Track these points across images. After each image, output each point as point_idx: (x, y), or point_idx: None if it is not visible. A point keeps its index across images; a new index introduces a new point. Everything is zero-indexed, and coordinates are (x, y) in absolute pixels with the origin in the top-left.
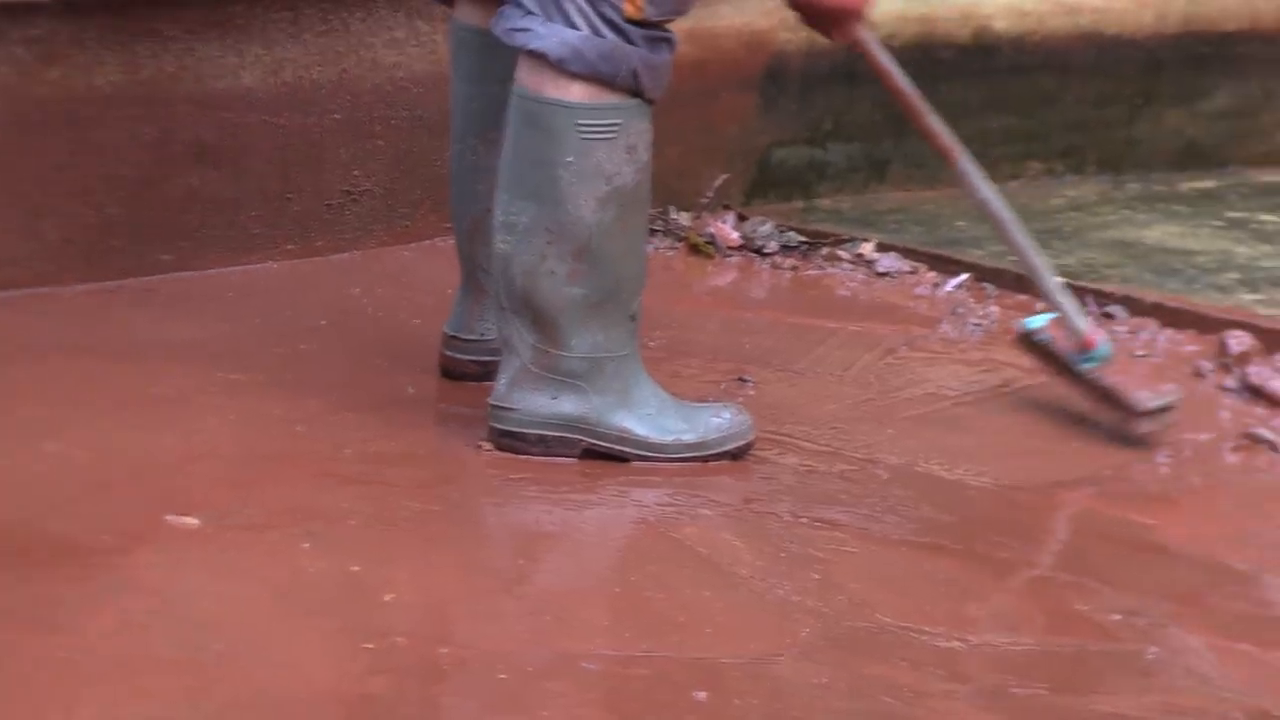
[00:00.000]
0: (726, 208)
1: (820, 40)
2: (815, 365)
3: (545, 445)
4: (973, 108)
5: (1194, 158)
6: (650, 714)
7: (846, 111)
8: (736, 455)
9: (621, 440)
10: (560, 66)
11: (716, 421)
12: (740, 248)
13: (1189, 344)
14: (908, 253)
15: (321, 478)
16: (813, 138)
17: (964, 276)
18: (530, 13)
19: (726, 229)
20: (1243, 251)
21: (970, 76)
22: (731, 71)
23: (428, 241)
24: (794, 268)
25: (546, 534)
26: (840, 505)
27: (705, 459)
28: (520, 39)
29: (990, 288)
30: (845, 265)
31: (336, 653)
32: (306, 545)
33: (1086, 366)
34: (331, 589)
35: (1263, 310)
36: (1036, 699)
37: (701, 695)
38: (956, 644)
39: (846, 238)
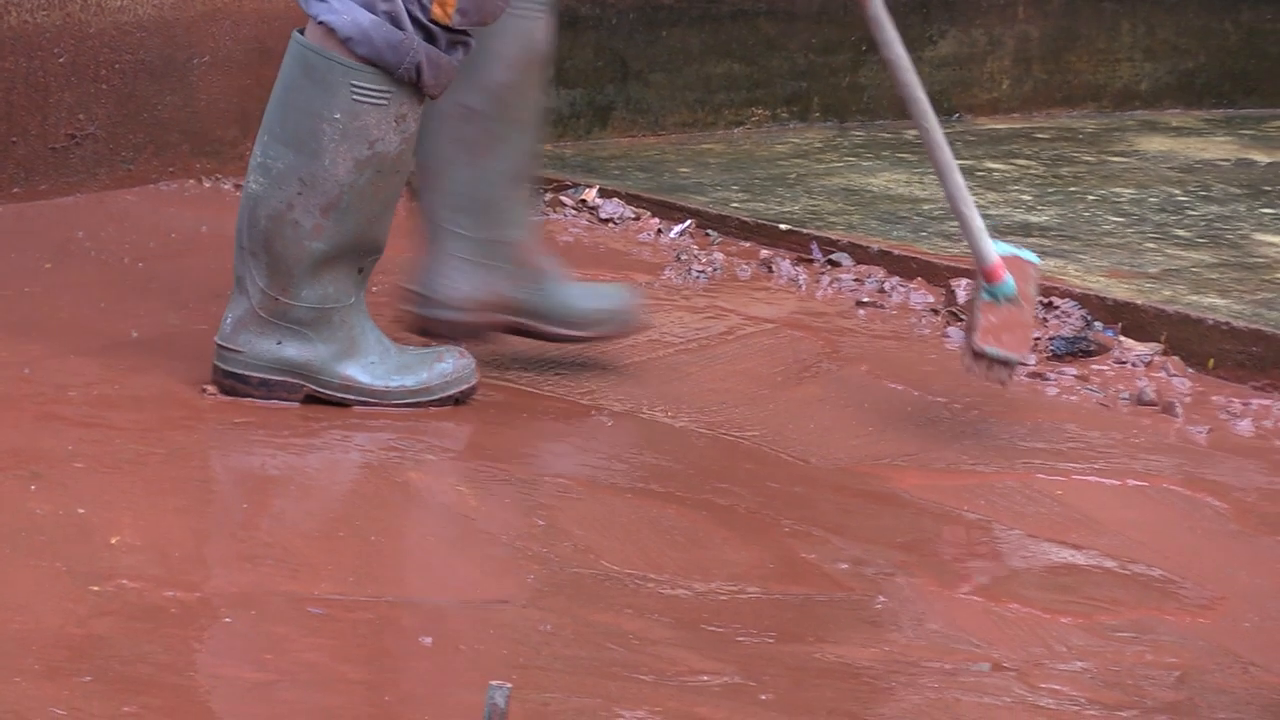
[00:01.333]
0: None
1: None
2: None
3: (268, 389)
4: (694, 54)
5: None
6: (376, 658)
7: (569, 57)
8: (460, 400)
9: (346, 389)
10: (346, 44)
11: (440, 367)
12: None
13: (918, 291)
14: (631, 199)
15: (46, 420)
16: None
17: (688, 223)
18: None
19: None
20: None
21: (692, 23)
22: None
23: (151, 185)
24: None
25: (271, 478)
26: (565, 452)
27: (428, 404)
28: (315, 8)
29: (714, 234)
30: (568, 211)
31: (63, 594)
32: (33, 487)
33: (984, 298)
34: (57, 531)
35: None
36: (763, 647)
37: (428, 640)
38: (682, 591)
39: (569, 184)
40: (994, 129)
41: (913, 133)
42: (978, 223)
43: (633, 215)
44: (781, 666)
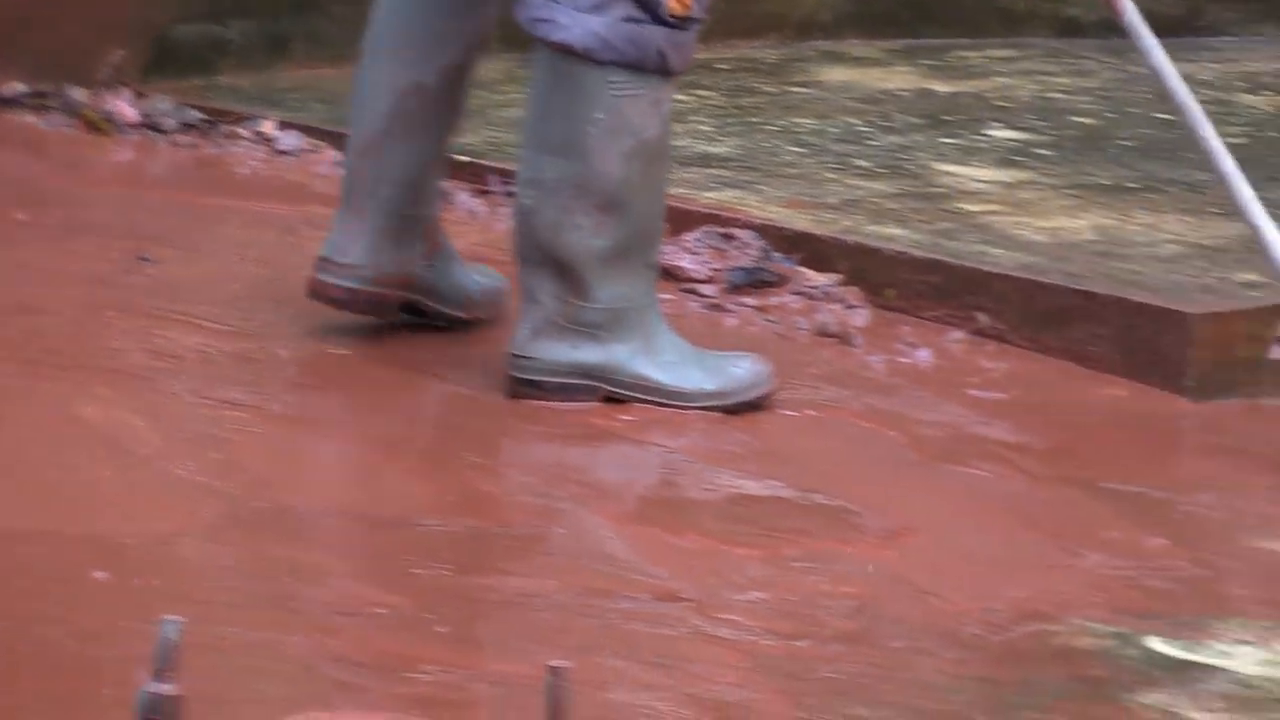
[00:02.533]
0: (124, 84)
1: None
2: (216, 244)
3: (565, 393)
4: None
5: None
6: (47, 592)
7: None
8: (757, 405)
9: (641, 388)
10: (588, 56)
11: (736, 372)
12: (139, 125)
13: None
14: (309, 131)
15: None
16: (213, 14)
17: None
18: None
19: (124, 106)
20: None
21: None
22: None
23: None
24: (194, 146)
25: None
26: (243, 385)
27: (727, 408)
28: (542, 30)
29: None
30: (246, 143)
31: None
32: None
33: None
34: None
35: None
36: (440, 580)
37: (101, 575)
38: (360, 524)
39: (247, 115)
40: None
41: None
42: (1274, 235)
43: (311, 148)
44: (459, 599)
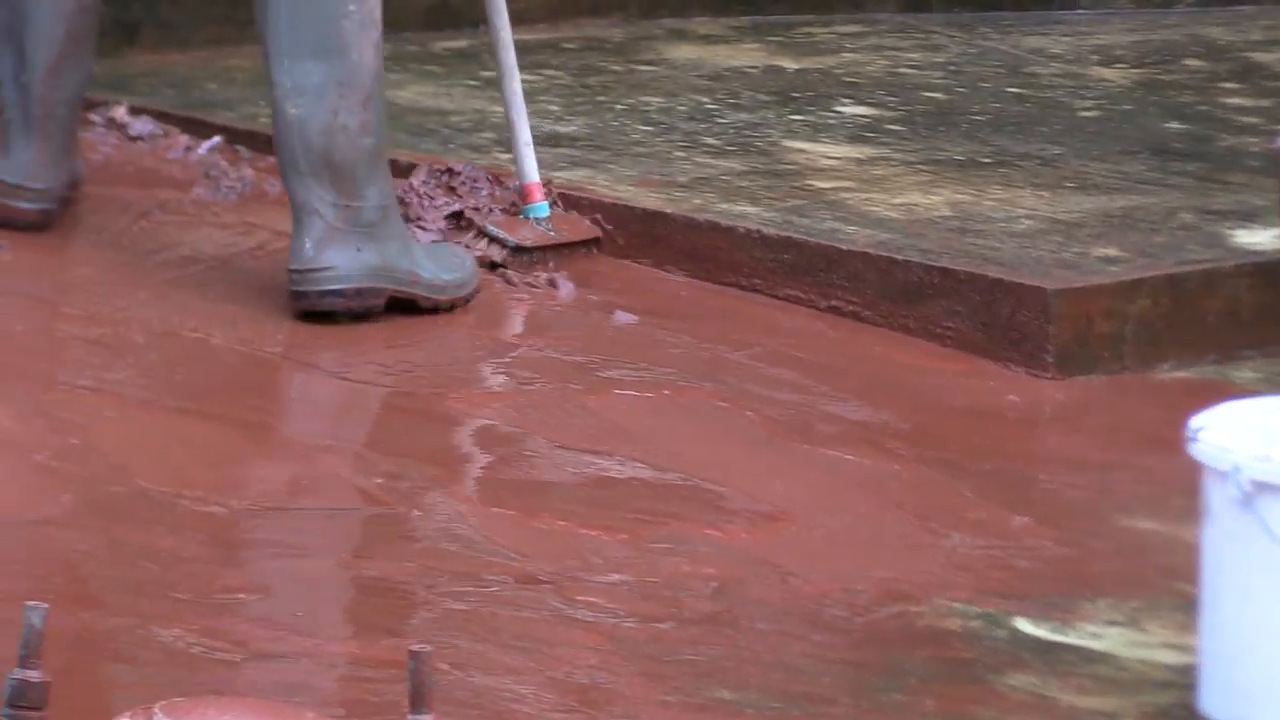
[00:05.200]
0: None
1: None
2: (69, 229)
3: (362, 298)
4: None
5: (446, 16)
6: None
7: None
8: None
9: (413, 283)
10: None
11: (457, 260)
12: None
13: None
14: (160, 116)
15: None
16: None
17: (216, 139)
18: None
19: None
20: (498, 110)
21: None
22: None
23: None
24: None
25: None
26: (97, 370)
27: (464, 300)
28: None
29: (243, 150)
30: (98, 129)
31: None
32: None
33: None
34: None
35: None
36: (299, 563)
37: None
38: (216, 508)
39: (99, 101)
40: (521, 39)
41: (441, 45)
42: (526, 136)
43: (162, 132)
44: (316, 583)
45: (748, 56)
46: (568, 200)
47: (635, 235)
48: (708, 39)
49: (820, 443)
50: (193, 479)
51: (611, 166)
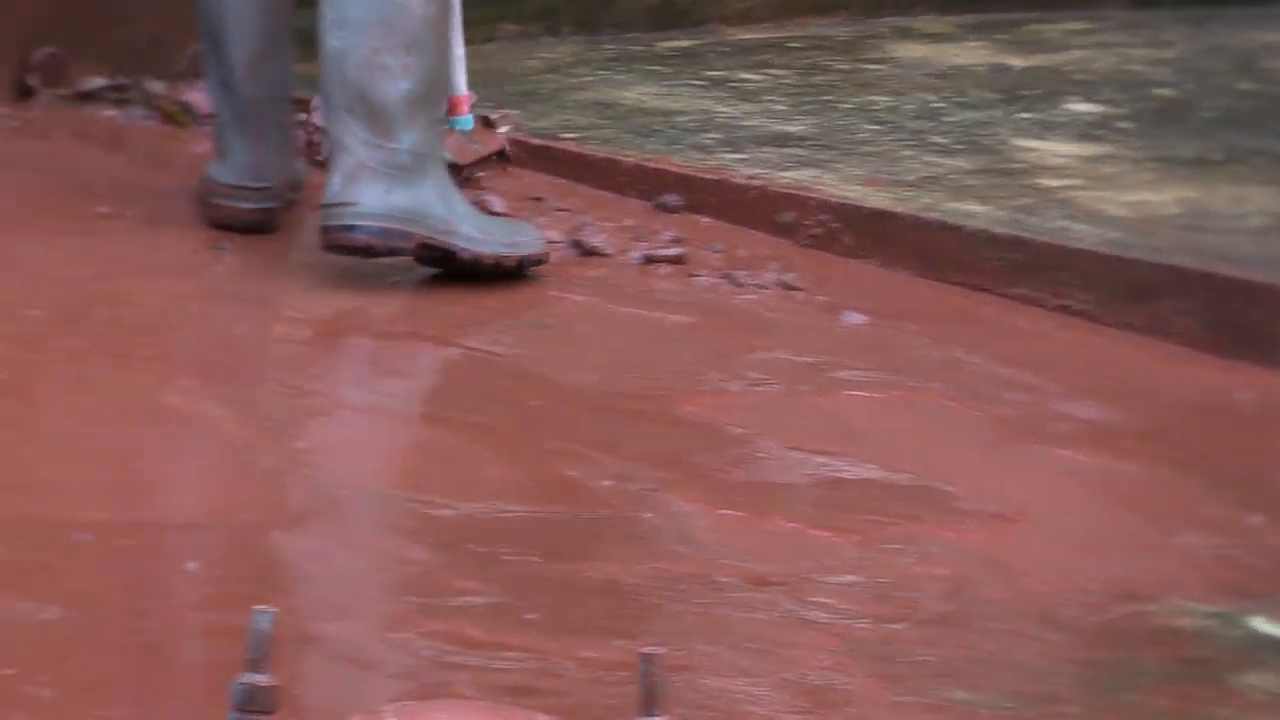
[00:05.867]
0: (200, 76)
1: None
2: (293, 232)
3: (387, 237)
4: None
5: (672, 16)
6: (141, 585)
7: None
8: (537, 262)
9: (449, 232)
10: None
11: (521, 238)
12: (214, 116)
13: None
14: None
15: None
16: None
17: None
18: None
19: (202, 97)
20: (724, 110)
21: None
22: None
23: None
24: None
25: (29, 406)
26: (320, 373)
27: (517, 264)
28: None
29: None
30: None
31: None
32: None
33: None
34: None
35: (745, 169)
36: (529, 566)
37: (193, 565)
38: (445, 511)
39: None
40: (746, 39)
41: (665, 45)
42: (460, 51)
43: None
44: (547, 585)
45: (974, 54)
46: (792, 200)
47: (862, 234)
48: (934, 37)
49: (1051, 442)
50: (421, 481)
51: (838, 166)
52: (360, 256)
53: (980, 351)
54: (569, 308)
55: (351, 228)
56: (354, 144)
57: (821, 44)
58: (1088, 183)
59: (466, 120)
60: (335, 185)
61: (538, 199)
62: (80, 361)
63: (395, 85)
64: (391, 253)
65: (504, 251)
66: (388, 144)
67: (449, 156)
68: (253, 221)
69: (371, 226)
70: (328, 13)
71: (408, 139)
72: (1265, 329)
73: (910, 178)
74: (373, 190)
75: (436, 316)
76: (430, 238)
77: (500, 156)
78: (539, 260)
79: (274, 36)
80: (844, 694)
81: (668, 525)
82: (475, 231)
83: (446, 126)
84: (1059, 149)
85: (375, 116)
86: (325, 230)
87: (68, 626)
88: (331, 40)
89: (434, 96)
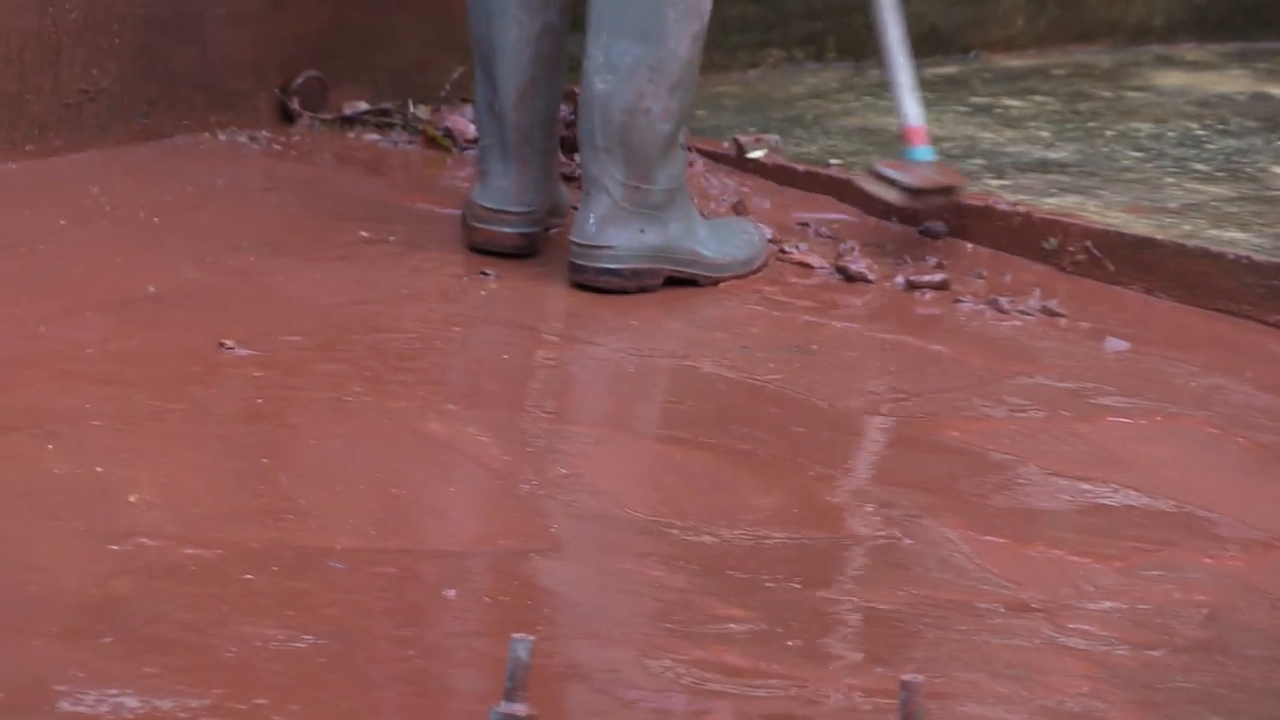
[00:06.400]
0: (464, 100)
1: None
2: (557, 260)
3: (638, 278)
4: None
5: (936, 43)
6: (399, 612)
7: None
8: (758, 270)
9: (694, 263)
10: None
11: (749, 237)
12: (478, 139)
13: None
14: None
15: (63, 378)
16: None
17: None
18: None
19: (464, 122)
20: (988, 137)
21: None
22: None
23: (166, 140)
24: None
25: (290, 431)
26: (586, 398)
27: (749, 275)
28: None
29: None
30: None
31: (82, 554)
32: (50, 446)
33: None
34: (76, 490)
35: (1009, 196)
36: (789, 593)
37: (451, 592)
38: (706, 538)
39: None
40: (1010, 66)
41: (932, 71)
42: (907, 78)
43: None
44: (808, 612)
45: (1235, 83)
46: (1055, 227)
47: (1124, 261)
48: (1195, 65)
49: None
50: (682, 507)
51: (1102, 193)
52: (611, 293)
53: (1241, 377)
54: (832, 333)
55: (604, 271)
56: (611, 185)
57: (1084, 71)
58: None
59: (926, 150)
60: (590, 226)
61: (804, 224)
62: (339, 387)
63: (657, 129)
64: (641, 290)
65: (740, 270)
66: (644, 185)
67: (909, 181)
68: (513, 246)
69: (625, 270)
70: (596, 55)
71: (663, 178)
72: None
73: (1172, 204)
74: (627, 233)
75: (700, 342)
76: (677, 270)
77: (947, 192)
78: (764, 266)
79: (545, 64)
80: None
81: (929, 551)
82: (715, 255)
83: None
84: None
85: (635, 159)
86: (579, 269)
87: (322, 654)
88: (599, 83)
89: (680, 131)
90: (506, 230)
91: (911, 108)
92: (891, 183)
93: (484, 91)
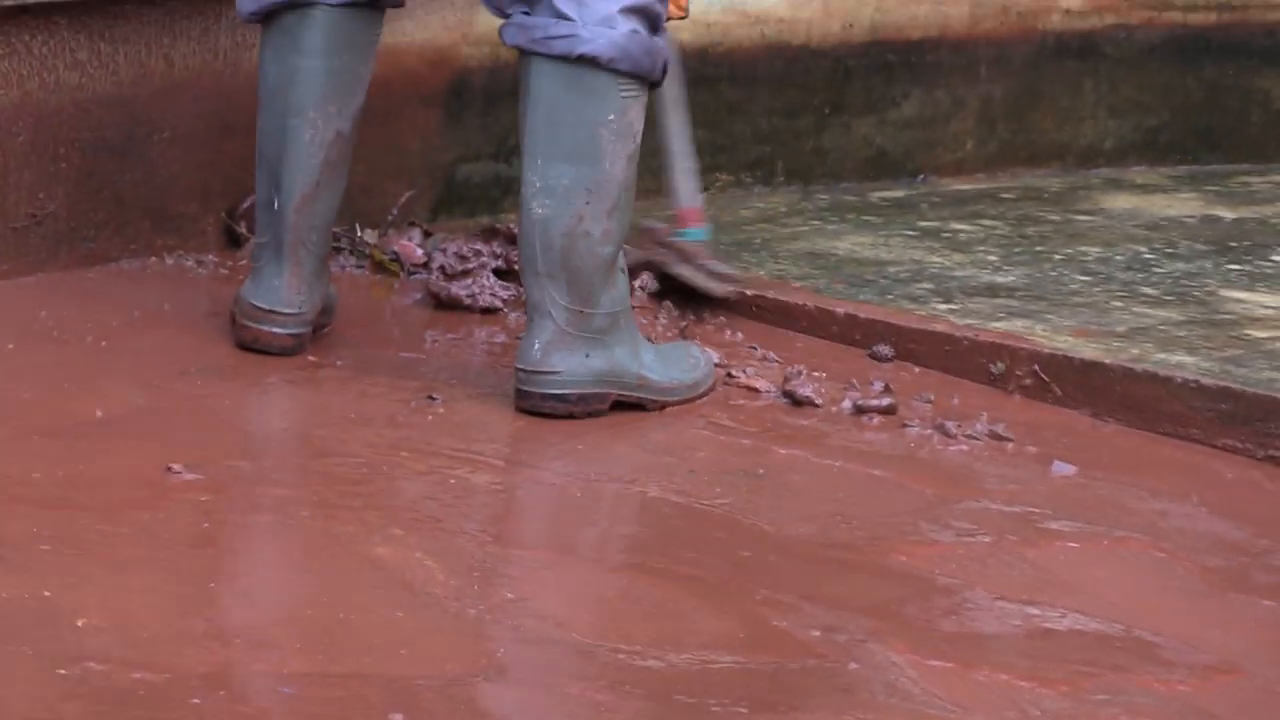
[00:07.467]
0: (413, 224)
1: (504, 55)
2: (502, 384)
3: (585, 403)
4: (655, 121)
5: (884, 167)
6: None
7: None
8: (706, 394)
9: (641, 387)
10: (610, 66)
11: (694, 360)
12: (424, 265)
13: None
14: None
15: (10, 503)
16: (497, 153)
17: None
18: (566, 17)
19: (411, 246)
20: (936, 261)
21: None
22: (414, 88)
23: (113, 264)
24: None
25: (239, 556)
26: (532, 523)
27: (696, 399)
28: (562, 46)
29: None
30: None
31: (30, 679)
32: None
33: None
34: (23, 615)
35: (956, 319)
36: (738, 717)
37: (398, 717)
38: (654, 662)
39: None
40: (959, 189)
41: (878, 195)
42: (689, 163)
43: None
44: None
45: (1185, 205)
46: (1003, 350)
47: (1072, 385)
48: (1145, 188)
49: (1260, 593)
50: (629, 632)
51: (1049, 316)
52: (557, 418)
53: (1188, 501)
54: (779, 458)
55: (551, 397)
56: (554, 310)
57: (1034, 194)
58: None
59: (698, 232)
60: (535, 352)
61: (751, 348)
62: (287, 511)
63: (598, 252)
64: (588, 415)
65: (687, 394)
66: (587, 309)
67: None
68: (282, 347)
69: (571, 395)
70: (533, 180)
71: (606, 302)
72: None
73: (1120, 328)
74: (573, 358)
75: (647, 467)
76: (624, 394)
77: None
78: (711, 390)
79: (333, 170)
80: None
81: (875, 676)
82: (661, 379)
83: (674, 238)
84: (1268, 300)
85: (576, 283)
86: (525, 395)
87: None
88: (537, 209)
89: (620, 254)
90: (276, 330)
91: (687, 190)
92: (717, 275)
93: (265, 190)
